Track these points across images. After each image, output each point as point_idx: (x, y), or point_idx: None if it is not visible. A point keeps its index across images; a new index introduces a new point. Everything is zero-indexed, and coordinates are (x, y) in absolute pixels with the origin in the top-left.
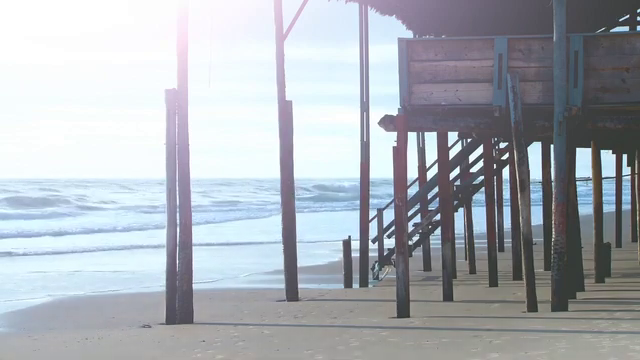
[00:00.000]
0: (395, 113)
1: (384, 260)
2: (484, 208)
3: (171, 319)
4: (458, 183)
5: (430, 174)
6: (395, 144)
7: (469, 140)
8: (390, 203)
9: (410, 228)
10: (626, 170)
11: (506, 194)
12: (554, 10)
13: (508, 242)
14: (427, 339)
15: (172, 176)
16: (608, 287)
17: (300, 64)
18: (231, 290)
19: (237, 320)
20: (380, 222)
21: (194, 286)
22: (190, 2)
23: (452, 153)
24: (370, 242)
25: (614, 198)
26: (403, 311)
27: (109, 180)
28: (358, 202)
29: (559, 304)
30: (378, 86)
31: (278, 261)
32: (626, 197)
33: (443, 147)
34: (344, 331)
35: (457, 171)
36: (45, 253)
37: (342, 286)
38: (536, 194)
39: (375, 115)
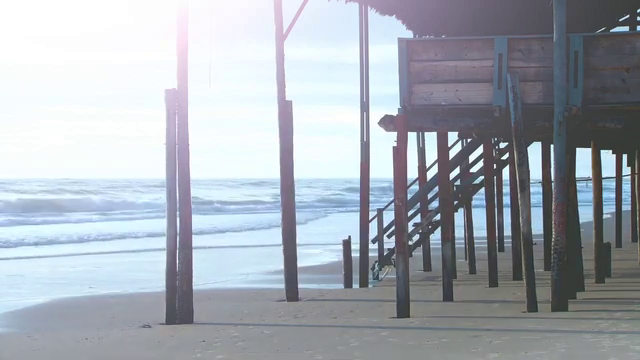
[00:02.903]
0: (395, 113)
1: (384, 260)
2: (483, 208)
3: (171, 319)
4: (458, 183)
5: (430, 174)
6: (395, 144)
7: (469, 140)
8: (390, 203)
9: (410, 228)
10: (626, 170)
11: (506, 199)
12: (554, 10)
13: (508, 242)
14: (427, 339)
15: (172, 176)
16: (608, 287)
17: (300, 64)
18: (231, 290)
19: (237, 320)
20: (380, 222)
21: (194, 286)
22: (190, 2)
23: (452, 153)
24: (370, 242)
25: (614, 198)
26: (403, 311)
27: (121, 180)
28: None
29: (559, 304)
30: (378, 86)
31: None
32: (626, 197)
33: (443, 147)
34: (344, 331)
35: (457, 171)
36: None
37: (342, 286)
38: (536, 196)
39: (375, 115)
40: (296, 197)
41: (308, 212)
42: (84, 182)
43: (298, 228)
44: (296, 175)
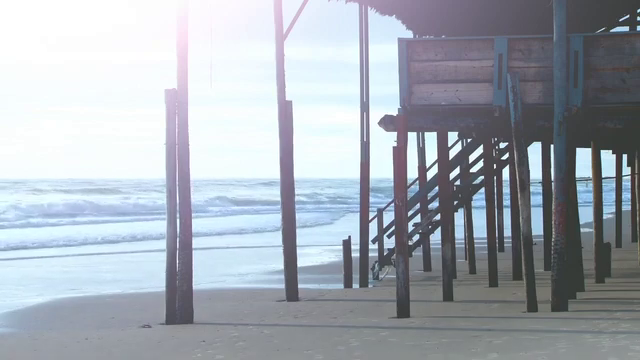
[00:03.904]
0: (395, 113)
1: (384, 260)
2: (483, 208)
3: (171, 319)
4: (458, 183)
5: (430, 174)
6: (395, 144)
7: (469, 140)
8: (390, 203)
9: (410, 228)
10: (626, 170)
11: (506, 199)
12: (554, 10)
13: (508, 242)
14: (427, 339)
15: (172, 176)
16: (608, 287)
17: (300, 64)
18: (231, 290)
19: (237, 320)
20: (380, 222)
21: (194, 286)
22: (190, 2)
23: (452, 153)
24: (370, 242)
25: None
26: (403, 311)
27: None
28: None
29: (559, 304)
30: (378, 86)
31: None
32: (626, 195)
33: (443, 147)
34: (344, 331)
35: (457, 171)
36: None
37: (342, 286)
38: (536, 196)
39: (375, 115)
40: (314, 197)
41: (329, 212)
42: (93, 182)
43: (325, 228)
44: (296, 175)
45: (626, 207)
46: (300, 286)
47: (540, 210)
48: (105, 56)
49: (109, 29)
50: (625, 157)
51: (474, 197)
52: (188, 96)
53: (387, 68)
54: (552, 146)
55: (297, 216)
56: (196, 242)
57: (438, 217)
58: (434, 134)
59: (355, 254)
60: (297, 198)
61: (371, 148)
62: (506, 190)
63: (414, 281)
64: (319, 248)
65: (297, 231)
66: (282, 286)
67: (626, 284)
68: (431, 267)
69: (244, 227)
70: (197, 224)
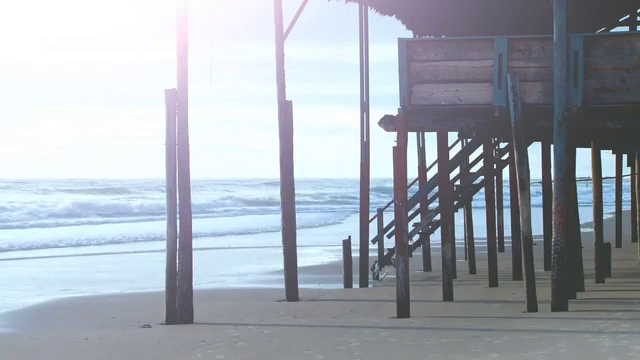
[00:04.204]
0: (395, 113)
1: (384, 260)
2: (483, 208)
3: (171, 319)
4: (458, 183)
5: (430, 174)
6: (395, 144)
7: (469, 140)
8: (390, 203)
9: (410, 228)
10: (626, 170)
11: (506, 199)
12: (554, 10)
13: (508, 242)
14: (427, 339)
15: (172, 176)
16: (608, 287)
17: (300, 64)
18: (231, 290)
19: (237, 320)
20: (380, 222)
21: (195, 286)
22: (190, 2)
23: (452, 153)
24: (370, 242)
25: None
26: (403, 311)
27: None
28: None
29: (559, 304)
30: (378, 86)
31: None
32: (626, 195)
33: (443, 147)
34: (344, 331)
35: (457, 171)
36: None
37: (342, 286)
38: (536, 197)
39: (375, 115)
40: (320, 197)
41: (334, 212)
42: (94, 182)
43: (331, 228)
44: (296, 175)
45: (626, 207)
46: (300, 286)
47: (540, 210)
48: (105, 56)
49: (109, 29)
50: (625, 157)
51: (474, 197)
52: (188, 96)
53: (387, 68)
54: (552, 146)
55: (304, 216)
56: (202, 242)
57: (438, 217)
58: (434, 134)
59: (355, 254)
60: (303, 198)
61: (371, 148)
62: (506, 190)
63: (414, 281)
64: (319, 248)
65: (304, 231)
66: (282, 286)
67: (626, 284)
68: (431, 267)
69: (251, 227)
70: (207, 224)
